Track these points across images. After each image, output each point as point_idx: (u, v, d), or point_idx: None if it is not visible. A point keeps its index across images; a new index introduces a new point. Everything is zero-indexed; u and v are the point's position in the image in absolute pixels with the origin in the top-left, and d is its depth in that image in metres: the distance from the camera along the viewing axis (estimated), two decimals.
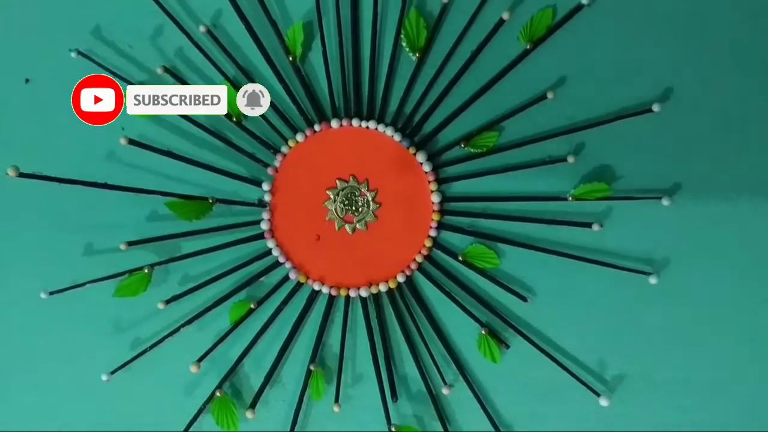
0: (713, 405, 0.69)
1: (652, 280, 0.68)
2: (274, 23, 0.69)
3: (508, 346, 0.70)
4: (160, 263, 0.71)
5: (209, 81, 0.71)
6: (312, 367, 0.70)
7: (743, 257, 0.68)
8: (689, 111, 0.67)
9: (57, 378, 0.74)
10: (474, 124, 0.69)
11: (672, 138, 0.68)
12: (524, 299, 0.69)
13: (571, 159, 0.67)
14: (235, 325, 0.71)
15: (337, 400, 0.70)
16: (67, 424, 0.74)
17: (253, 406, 0.71)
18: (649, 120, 0.67)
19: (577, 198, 0.68)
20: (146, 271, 0.70)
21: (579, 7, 0.67)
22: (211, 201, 0.70)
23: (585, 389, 0.68)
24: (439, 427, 0.70)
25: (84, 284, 0.71)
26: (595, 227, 0.68)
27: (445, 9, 0.68)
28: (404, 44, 0.68)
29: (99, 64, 0.70)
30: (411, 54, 0.69)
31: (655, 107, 0.66)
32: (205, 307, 0.71)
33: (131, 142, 0.70)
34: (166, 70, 0.70)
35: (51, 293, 0.71)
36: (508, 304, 0.70)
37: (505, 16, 0.67)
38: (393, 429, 0.70)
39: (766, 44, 0.66)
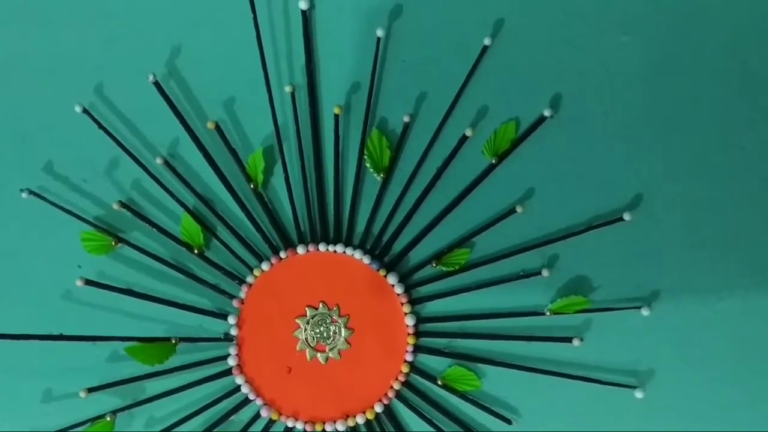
0: None
1: (638, 394, 0.67)
2: (233, 151, 0.69)
3: None
4: (122, 409, 0.68)
5: (168, 212, 0.70)
6: None
7: (730, 362, 0.68)
8: (660, 216, 0.68)
9: None
10: (444, 241, 0.69)
11: (645, 245, 0.68)
12: (508, 421, 0.68)
13: (545, 272, 0.67)
14: None
15: None
16: None
17: None
18: (621, 228, 0.67)
19: (554, 312, 0.67)
20: (108, 418, 0.68)
21: (542, 119, 0.67)
22: (174, 341, 0.68)
23: None
24: None
25: None
26: (576, 342, 0.67)
27: (407, 127, 0.69)
28: (368, 164, 0.68)
29: (51, 203, 0.69)
30: (375, 174, 0.68)
31: (626, 216, 0.66)
32: None
33: (89, 282, 0.68)
34: (123, 204, 0.69)
35: None
36: (493, 427, 0.69)
37: (468, 132, 0.67)
38: None
39: (731, 146, 0.68)
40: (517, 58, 0.68)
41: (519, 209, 0.67)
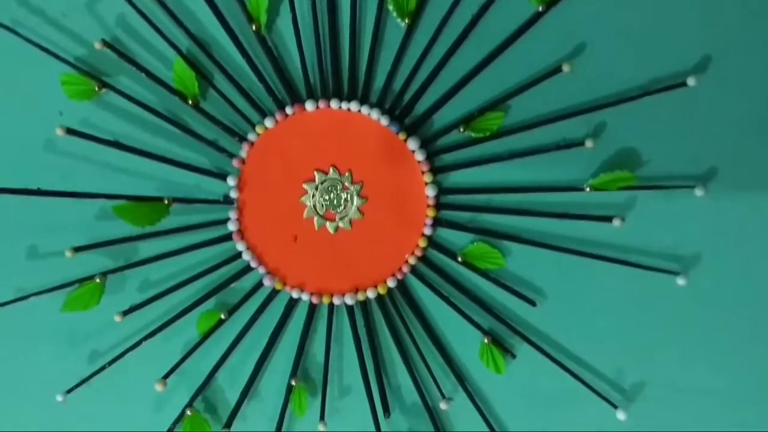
0: (741, 416, 0.65)
1: (681, 281, 0.62)
2: None
3: (514, 356, 0.65)
4: (113, 270, 0.65)
5: (158, 55, 0.63)
6: (293, 382, 0.66)
7: None
8: (730, 85, 0.60)
9: (4, 400, 0.70)
10: (475, 103, 0.62)
11: (708, 117, 0.60)
12: (533, 303, 0.64)
13: (589, 143, 0.61)
14: (205, 336, 0.66)
15: (322, 417, 0.66)
16: None
17: (229, 424, 0.67)
18: (683, 96, 0.59)
19: (595, 188, 0.61)
20: (98, 280, 0.64)
21: None
22: (167, 202, 0.63)
23: (600, 401, 0.64)
24: None
25: (28, 296, 0.66)
26: (616, 222, 0.62)
27: None
28: (391, 7, 0.60)
29: (26, 39, 0.61)
30: (399, 20, 0.60)
31: (690, 80, 0.59)
32: (170, 318, 0.66)
33: (70, 131, 0.62)
34: (106, 43, 0.61)
35: None
36: (515, 309, 0.65)
37: None
38: None
39: None
40: None
41: (565, 68, 0.59)
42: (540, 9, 0.59)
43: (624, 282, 0.63)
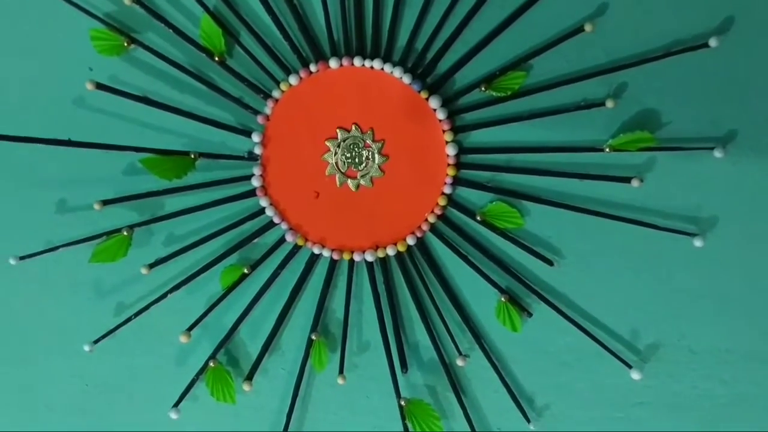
0: (756, 377, 0.66)
1: (697, 242, 0.62)
2: None
3: (530, 314, 0.66)
4: (140, 224, 0.66)
5: (185, 11, 0.63)
6: (313, 337, 0.67)
7: None
8: (752, 46, 0.60)
9: (33, 351, 0.72)
10: (497, 62, 0.62)
11: (730, 78, 0.61)
12: (550, 263, 0.65)
13: (610, 103, 0.61)
14: (228, 290, 0.67)
15: (341, 371, 0.67)
16: (47, 398, 0.73)
17: (250, 377, 0.68)
18: (704, 57, 0.59)
19: (615, 149, 0.61)
20: (125, 233, 0.66)
21: None
22: (193, 156, 0.64)
23: (615, 360, 0.65)
24: (452, 399, 0.68)
25: (57, 248, 0.67)
26: (635, 182, 0.62)
27: None
28: None
29: None
30: None
31: (712, 41, 0.59)
32: (194, 271, 0.67)
33: (99, 86, 0.63)
34: (135, 0, 0.62)
35: (21, 258, 0.67)
36: (532, 268, 0.66)
37: None
38: (402, 402, 0.67)
39: None
40: None
41: (588, 27, 0.59)
42: None
43: (641, 243, 0.64)
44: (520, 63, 0.62)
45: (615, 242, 0.64)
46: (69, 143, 0.64)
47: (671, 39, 0.60)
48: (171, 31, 0.63)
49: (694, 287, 0.64)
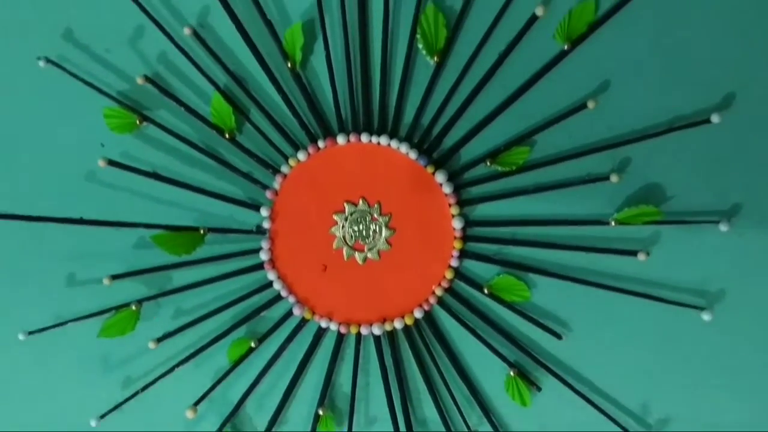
0: None
1: (706, 316, 0.62)
2: (269, 24, 0.63)
3: (539, 388, 0.65)
4: (148, 298, 0.67)
5: (197, 90, 0.65)
6: (320, 411, 0.66)
7: None
8: (753, 120, 0.61)
9: (41, 425, 0.71)
10: (501, 137, 0.63)
11: (732, 152, 0.61)
12: (558, 336, 0.65)
13: (614, 177, 0.62)
14: (235, 364, 0.67)
15: None
16: None
17: None
18: (707, 132, 0.60)
19: (620, 222, 0.62)
20: (134, 308, 0.66)
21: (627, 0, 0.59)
22: (202, 232, 0.65)
23: None
24: None
25: (65, 323, 0.68)
26: (641, 256, 0.62)
27: (468, 3, 0.61)
28: (420, 46, 0.62)
29: (71, 74, 0.64)
30: (428, 57, 0.62)
31: (714, 117, 0.60)
32: (202, 345, 0.68)
33: (111, 163, 0.64)
34: (148, 79, 0.64)
35: (30, 333, 0.67)
36: (540, 342, 0.66)
37: (539, 11, 0.60)
38: None
39: None
40: None
41: (590, 104, 0.61)
42: (565, 47, 0.60)
43: (649, 316, 0.63)
44: (524, 138, 0.63)
45: (623, 315, 0.64)
46: (80, 221, 0.66)
47: (673, 114, 0.61)
48: (182, 108, 0.65)
49: (703, 360, 0.64)
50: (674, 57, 0.60)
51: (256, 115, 0.65)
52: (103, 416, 0.68)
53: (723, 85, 0.60)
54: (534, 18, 0.60)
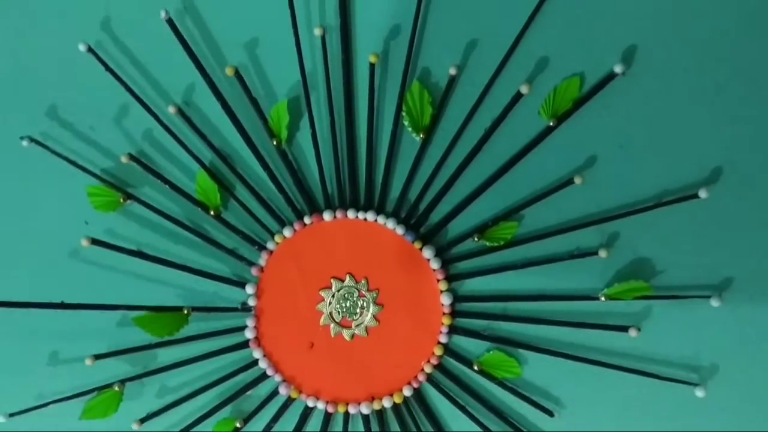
0: None
1: (699, 392, 0.61)
2: (255, 101, 0.63)
3: None
4: (132, 378, 0.66)
5: (182, 167, 0.65)
6: None
7: None
8: (741, 196, 0.60)
9: None
10: (489, 213, 0.63)
11: (722, 227, 0.61)
12: (550, 413, 0.64)
13: (603, 253, 0.61)
14: None
15: None
16: None
17: None
18: (695, 206, 0.60)
19: (610, 297, 0.62)
20: (117, 388, 0.65)
21: (611, 76, 0.59)
22: (186, 312, 0.64)
23: None
24: None
25: (47, 404, 0.66)
26: (632, 332, 0.62)
27: (453, 81, 0.62)
28: (406, 122, 0.62)
29: (55, 152, 0.64)
30: (414, 134, 0.62)
31: (702, 192, 0.59)
32: (187, 425, 0.67)
33: (95, 242, 0.64)
34: (132, 157, 0.64)
35: (11, 415, 0.66)
36: (532, 419, 0.65)
37: (524, 89, 0.60)
38: None
39: None
40: (583, 1, 0.60)
41: (577, 180, 0.61)
42: (551, 123, 0.61)
43: (642, 392, 0.63)
44: (511, 213, 0.62)
45: (615, 391, 0.63)
46: (62, 306, 0.65)
47: (660, 189, 0.61)
48: (167, 186, 0.65)
49: None
50: (660, 132, 0.60)
51: (241, 191, 0.65)
52: None
53: (710, 159, 0.60)
54: (519, 95, 0.60)
